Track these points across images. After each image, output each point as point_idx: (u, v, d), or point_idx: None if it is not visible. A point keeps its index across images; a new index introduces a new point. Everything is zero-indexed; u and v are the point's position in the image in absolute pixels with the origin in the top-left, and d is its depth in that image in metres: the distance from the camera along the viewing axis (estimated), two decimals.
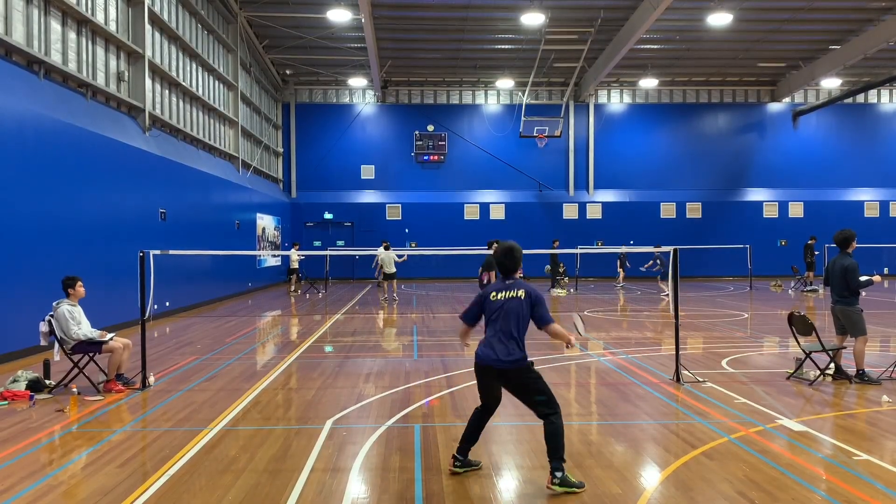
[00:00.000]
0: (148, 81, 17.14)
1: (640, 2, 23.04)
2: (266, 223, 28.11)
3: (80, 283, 8.75)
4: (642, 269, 24.91)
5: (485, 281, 13.89)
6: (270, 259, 28.50)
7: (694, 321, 15.44)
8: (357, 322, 16.16)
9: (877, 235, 31.23)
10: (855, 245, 8.92)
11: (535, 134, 31.11)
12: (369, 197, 33.12)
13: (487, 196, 33.09)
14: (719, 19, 23.51)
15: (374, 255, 22.28)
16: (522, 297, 5.31)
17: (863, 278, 8.64)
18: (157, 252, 8.96)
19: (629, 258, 27.05)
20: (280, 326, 15.88)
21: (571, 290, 25.20)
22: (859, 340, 8.64)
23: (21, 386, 8.19)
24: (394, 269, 21.41)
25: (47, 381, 8.55)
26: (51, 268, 11.33)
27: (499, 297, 5.35)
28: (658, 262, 23.24)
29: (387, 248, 21.47)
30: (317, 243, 32.69)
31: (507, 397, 5.42)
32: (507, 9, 24.09)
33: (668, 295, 22.43)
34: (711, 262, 31.51)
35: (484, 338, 5.40)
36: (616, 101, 34.00)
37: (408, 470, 5.54)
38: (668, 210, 33.42)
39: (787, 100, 33.89)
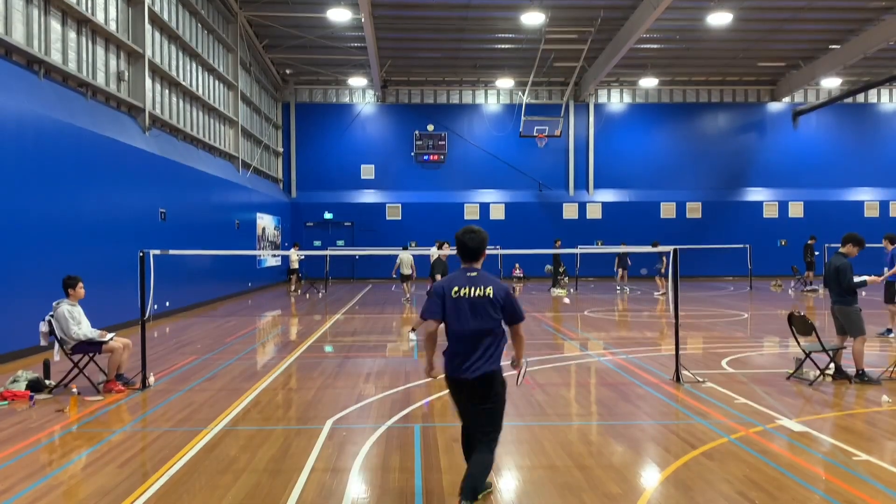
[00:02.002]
0: (148, 81, 17.13)
1: (640, 1, 23.03)
2: (266, 223, 28.10)
3: (80, 284, 8.75)
4: (655, 267, 24.60)
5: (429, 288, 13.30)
6: (270, 259, 28.50)
7: (694, 321, 15.44)
8: (357, 322, 16.15)
9: (877, 236, 30.99)
10: (854, 249, 8.83)
11: (535, 133, 31.09)
12: (369, 197, 33.11)
13: (487, 196, 33.09)
14: (719, 19, 23.51)
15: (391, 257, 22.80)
16: (492, 295, 4.54)
17: (857, 279, 8.63)
18: (157, 252, 8.95)
19: (630, 257, 26.89)
20: (280, 326, 15.89)
21: (572, 290, 25.20)
22: (858, 340, 8.64)
23: (21, 386, 8.19)
24: (409, 271, 22.09)
25: (47, 381, 8.54)
26: (51, 268, 11.33)
27: (461, 292, 4.58)
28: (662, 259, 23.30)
29: (405, 248, 21.72)
30: (317, 243, 32.69)
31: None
32: (506, 8, 24.08)
33: (662, 294, 22.44)
34: (711, 262, 31.48)
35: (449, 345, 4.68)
36: (616, 100, 33.99)
37: (408, 470, 5.54)
38: (668, 210, 33.42)
39: (787, 99, 33.88)
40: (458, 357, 4.57)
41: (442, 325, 4.69)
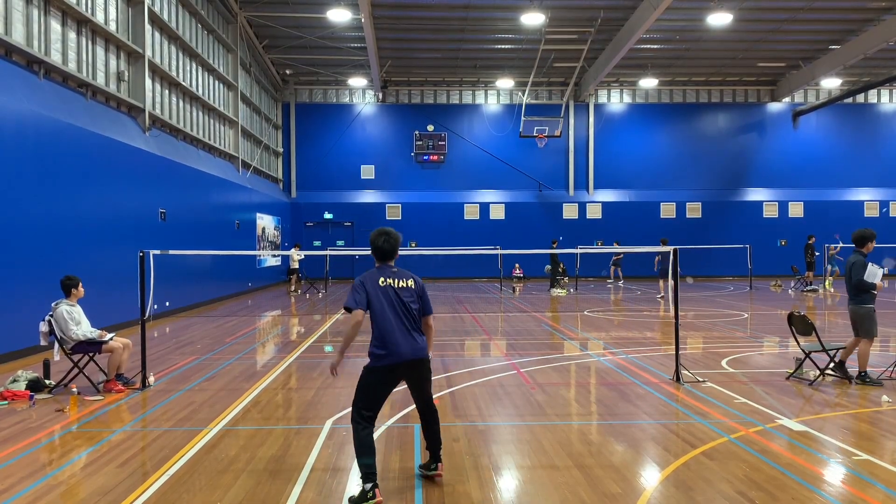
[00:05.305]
0: (148, 81, 17.14)
1: (640, 2, 23.04)
2: (266, 223, 28.10)
3: (79, 284, 8.75)
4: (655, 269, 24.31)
5: None
6: (270, 259, 28.50)
7: (694, 321, 15.44)
8: None
9: (877, 235, 31.20)
10: (871, 245, 8.93)
11: (535, 134, 31.11)
12: (369, 197, 33.12)
13: (487, 196, 33.10)
14: (719, 19, 23.51)
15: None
16: (412, 287, 5.10)
17: (867, 279, 8.65)
18: (157, 252, 8.95)
19: (624, 258, 27.30)
20: (280, 326, 15.88)
21: (571, 290, 25.21)
22: (865, 342, 8.64)
23: (21, 386, 8.19)
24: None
25: (47, 381, 8.54)
26: (51, 268, 11.32)
27: (388, 282, 5.06)
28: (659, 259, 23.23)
29: None
30: (317, 243, 32.70)
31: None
32: (507, 9, 24.09)
33: (662, 297, 22.00)
34: (711, 262, 31.49)
35: (377, 334, 5.00)
36: (616, 100, 34.00)
37: (408, 470, 5.54)
38: (668, 210, 33.42)
39: (787, 100, 33.89)
40: (395, 343, 4.95)
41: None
